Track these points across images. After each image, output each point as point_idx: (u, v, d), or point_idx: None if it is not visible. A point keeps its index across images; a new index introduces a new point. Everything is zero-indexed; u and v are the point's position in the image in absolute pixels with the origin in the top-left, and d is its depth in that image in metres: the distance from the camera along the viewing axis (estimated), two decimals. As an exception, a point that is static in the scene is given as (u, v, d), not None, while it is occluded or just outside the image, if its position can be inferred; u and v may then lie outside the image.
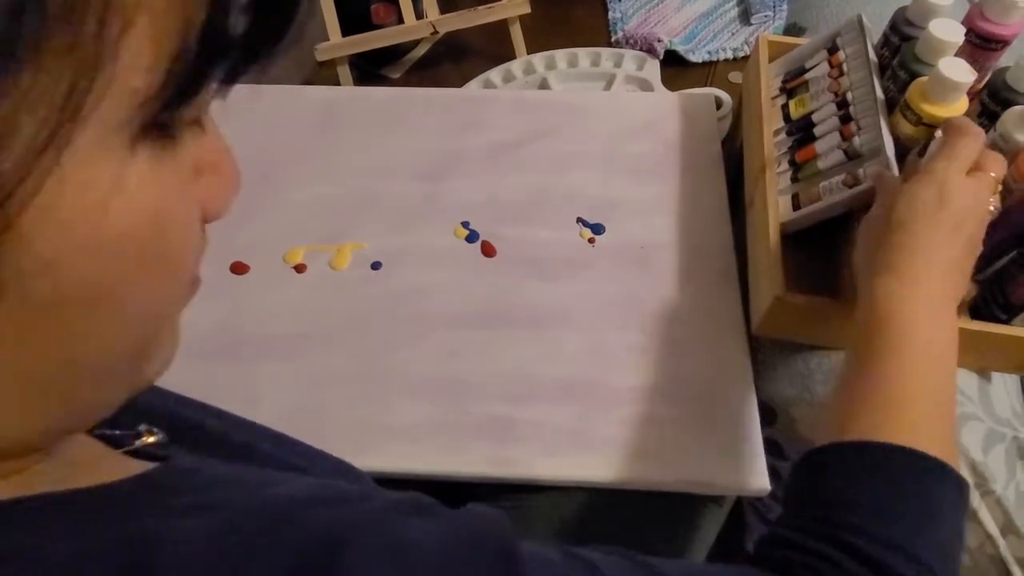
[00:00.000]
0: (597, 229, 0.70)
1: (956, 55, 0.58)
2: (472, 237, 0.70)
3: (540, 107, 0.81)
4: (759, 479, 0.55)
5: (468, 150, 0.77)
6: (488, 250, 0.69)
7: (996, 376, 0.61)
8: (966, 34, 0.59)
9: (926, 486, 0.39)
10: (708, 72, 0.94)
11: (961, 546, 0.39)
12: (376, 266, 0.68)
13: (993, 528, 0.58)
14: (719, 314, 0.64)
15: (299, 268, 0.68)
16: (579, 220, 0.70)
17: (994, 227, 0.53)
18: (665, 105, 0.81)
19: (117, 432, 0.32)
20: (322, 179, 0.75)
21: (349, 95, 0.84)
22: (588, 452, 0.56)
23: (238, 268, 0.68)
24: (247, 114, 0.80)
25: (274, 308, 0.66)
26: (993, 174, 0.49)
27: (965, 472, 0.57)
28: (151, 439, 0.33)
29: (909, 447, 0.39)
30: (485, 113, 0.80)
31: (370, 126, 0.80)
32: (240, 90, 0.95)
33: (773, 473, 0.57)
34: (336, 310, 0.65)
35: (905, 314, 0.43)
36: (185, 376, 0.61)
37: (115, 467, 0.27)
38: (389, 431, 0.58)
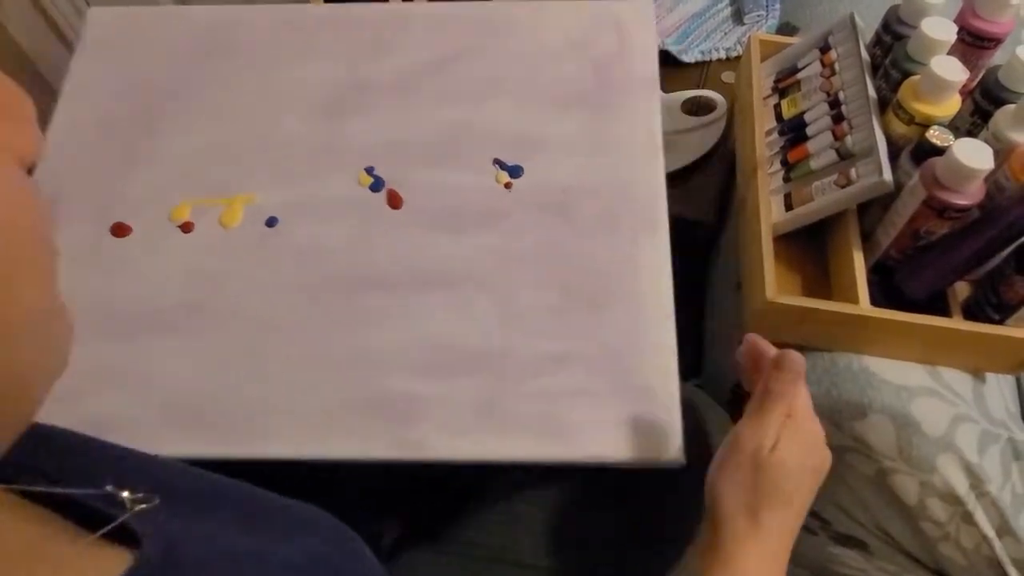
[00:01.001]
0: (515, 172, 0.63)
1: (948, 53, 0.58)
2: (377, 185, 0.63)
3: (457, 23, 0.71)
4: (674, 451, 0.52)
5: (373, 80, 0.68)
6: (394, 200, 0.62)
7: (990, 377, 0.61)
8: (958, 32, 0.59)
9: None
10: (701, 72, 0.94)
11: None
12: (272, 222, 0.61)
13: (989, 530, 0.58)
14: (644, 268, 0.58)
15: (186, 227, 0.61)
16: (496, 162, 0.63)
17: (985, 226, 0.53)
18: (598, 17, 0.71)
19: (86, 491, 0.27)
20: (207, 120, 0.66)
21: (236, 16, 0.72)
22: (498, 431, 0.52)
23: (119, 230, 0.60)
24: (117, 44, 0.69)
25: (159, 275, 0.59)
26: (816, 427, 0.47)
27: (960, 474, 0.57)
28: (140, 505, 0.27)
29: None
30: (394, 34, 0.70)
31: (261, 53, 0.69)
32: (108, 14, 0.76)
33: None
34: (228, 275, 0.59)
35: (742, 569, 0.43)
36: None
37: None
38: (289, 414, 0.53)
